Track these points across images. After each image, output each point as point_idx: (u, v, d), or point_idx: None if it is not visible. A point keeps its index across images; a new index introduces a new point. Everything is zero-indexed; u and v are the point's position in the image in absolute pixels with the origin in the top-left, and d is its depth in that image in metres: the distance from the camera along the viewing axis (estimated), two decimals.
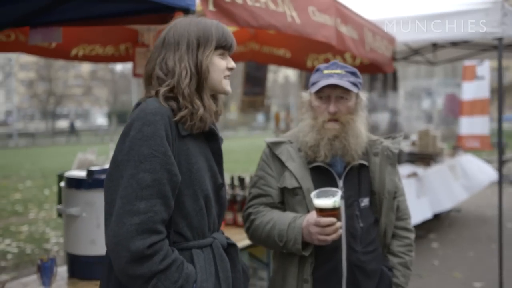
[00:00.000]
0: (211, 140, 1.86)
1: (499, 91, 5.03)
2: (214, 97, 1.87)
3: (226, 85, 1.83)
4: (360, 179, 2.27)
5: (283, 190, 2.28)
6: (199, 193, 1.73)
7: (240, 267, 1.90)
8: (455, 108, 20.30)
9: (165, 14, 2.64)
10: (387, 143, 2.33)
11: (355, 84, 2.20)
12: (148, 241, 1.55)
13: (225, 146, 2.06)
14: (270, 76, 40.77)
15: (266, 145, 2.36)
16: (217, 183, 1.85)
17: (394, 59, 5.98)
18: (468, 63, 9.32)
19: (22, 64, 48.07)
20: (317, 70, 2.28)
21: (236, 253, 1.90)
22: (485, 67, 9.35)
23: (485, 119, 9.63)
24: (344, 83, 2.15)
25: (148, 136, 1.61)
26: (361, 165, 2.27)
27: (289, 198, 2.27)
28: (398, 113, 10.37)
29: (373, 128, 7.92)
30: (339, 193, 2.06)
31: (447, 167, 7.49)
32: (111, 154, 4.83)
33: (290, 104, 44.12)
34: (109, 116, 48.69)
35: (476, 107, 9.40)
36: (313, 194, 2.08)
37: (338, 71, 2.20)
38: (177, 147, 1.70)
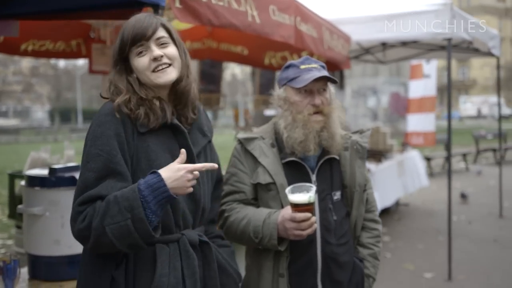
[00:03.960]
0: (178, 136, 1.85)
1: (448, 89, 5.24)
2: (177, 94, 1.86)
3: (156, 78, 1.78)
4: (332, 173, 2.31)
5: (256, 186, 2.29)
6: None
7: (215, 266, 1.90)
8: (399, 106, 21.01)
9: (133, 9, 2.60)
10: (355, 137, 2.39)
11: None
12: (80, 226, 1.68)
13: None
14: None
15: (238, 141, 2.36)
16: None
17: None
18: (415, 62, 9.64)
19: None
20: (291, 66, 2.30)
21: (209, 251, 1.90)
22: (432, 66, 9.70)
23: (431, 116, 10.00)
24: (329, 75, 2.21)
25: (97, 136, 1.71)
26: (332, 159, 2.32)
27: (263, 194, 2.28)
28: (345, 111, 10.60)
29: None
30: (314, 188, 2.08)
31: (396, 163, 7.74)
32: (66, 152, 4.73)
33: (238, 102, 44.13)
34: (51, 114, 47.13)
35: (424, 105, 9.74)
36: (287, 189, 2.09)
37: (314, 65, 2.26)
38: (135, 145, 1.75)
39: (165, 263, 1.74)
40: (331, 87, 2.33)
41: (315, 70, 2.22)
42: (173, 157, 1.78)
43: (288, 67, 2.31)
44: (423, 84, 9.63)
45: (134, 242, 1.64)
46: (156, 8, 2.53)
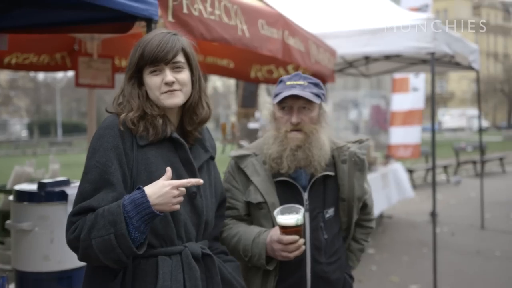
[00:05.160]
0: (178, 149, 1.86)
1: (432, 102, 5.33)
2: (185, 113, 1.89)
3: (164, 99, 1.80)
4: (325, 190, 2.28)
5: (249, 204, 2.28)
6: None
7: (219, 280, 1.89)
8: (380, 119, 21.25)
9: (126, 23, 2.60)
10: (354, 148, 2.33)
11: (317, 95, 2.21)
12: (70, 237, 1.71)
13: None
14: None
15: (231, 158, 2.35)
16: (189, 192, 1.84)
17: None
18: (398, 76, 9.77)
19: None
20: (280, 81, 2.28)
21: (213, 264, 1.89)
22: (420, 80, 9.84)
23: (418, 128, 10.13)
24: (306, 93, 2.16)
25: (96, 149, 1.75)
26: (326, 176, 2.28)
27: (255, 212, 2.28)
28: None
29: None
30: (302, 210, 2.07)
31: (380, 175, 7.80)
32: (51, 166, 4.66)
33: (220, 115, 44.13)
34: (30, 127, 46.52)
35: (411, 118, 9.87)
36: (276, 211, 2.08)
37: (301, 82, 2.21)
38: (135, 157, 1.77)
39: (167, 275, 1.73)
40: (324, 106, 2.31)
41: (298, 87, 2.18)
42: (173, 169, 1.79)
43: (279, 82, 2.29)
44: (411, 98, 9.74)
45: (118, 258, 1.64)
46: (149, 22, 2.53)
